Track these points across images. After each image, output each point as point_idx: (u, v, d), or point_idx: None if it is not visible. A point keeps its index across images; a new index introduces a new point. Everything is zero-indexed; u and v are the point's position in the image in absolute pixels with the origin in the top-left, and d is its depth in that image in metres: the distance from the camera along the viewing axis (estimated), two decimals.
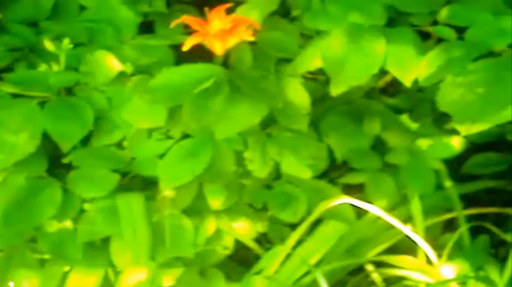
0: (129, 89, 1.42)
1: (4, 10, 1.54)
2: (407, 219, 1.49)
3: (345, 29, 1.29)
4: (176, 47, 1.41)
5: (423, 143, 1.53)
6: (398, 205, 1.54)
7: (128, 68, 1.44)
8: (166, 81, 1.34)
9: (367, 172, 1.56)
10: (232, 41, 1.36)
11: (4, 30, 1.52)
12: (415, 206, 1.49)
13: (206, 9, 1.36)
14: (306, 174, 1.39)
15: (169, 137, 1.45)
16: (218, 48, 1.33)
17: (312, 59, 1.30)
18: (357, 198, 1.44)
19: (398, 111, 1.57)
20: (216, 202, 1.43)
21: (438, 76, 1.22)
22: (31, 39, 1.51)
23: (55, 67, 1.41)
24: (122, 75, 1.41)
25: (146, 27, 1.51)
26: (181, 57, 1.44)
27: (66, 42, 1.40)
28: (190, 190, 1.46)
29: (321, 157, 1.51)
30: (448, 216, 1.54)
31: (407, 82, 1.28)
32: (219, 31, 1.36)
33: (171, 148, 1.40)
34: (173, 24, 1.36)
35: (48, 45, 1.44)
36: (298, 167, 1.39)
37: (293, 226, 1.45)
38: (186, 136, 1.42)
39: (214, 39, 1.35)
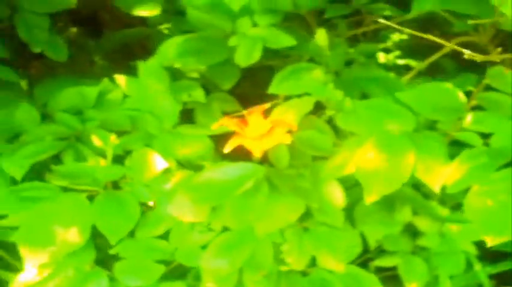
0: (173, 185, 1.51)
1: (49, 99, 1.61)
2: None
3: (377, 137, 1.37)
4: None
5: (454, 227, 1.55)
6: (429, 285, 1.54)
7: (172, 164, 1.53)
8: (209, 180, 1.44)
9: (399, 255, 1.60)
10: (270, 143, 1.45)
11: (50, 119, 1.59)
12: None
13: (245, 113, 1.47)
14: (341, 267, 1.48)
15: (210, 230, 1.53)
16: (257, 150, 1.42)
17: (345, 166, 1.38)
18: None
19: (427, 196, 1.57)
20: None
21: (465, 183, 1.31)
22: (77, 128, 1.56)
23: (102, 161, 1.48)
24: (166, 169, 1.46)
25: (187, 115, 1.57)
26: (219, 144, 1.46)
27: (113, 139, 1.48)
28: (231, 279, 1.53)
29: (355, 244, 1.58)
30: None
31: (435, 188, 1.35)
32: (258, 134, 1.44)
33: (213, 240, 1.45)
34: (214, 127, 1.46)
35: (96, 140, 1.56)
36: (334, 261, 1.48)
37: None
38: (226, 229, 1.52)
39: (253, 142, 1.45)
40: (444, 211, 1.63)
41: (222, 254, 1.51)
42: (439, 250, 1.59)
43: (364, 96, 1.53)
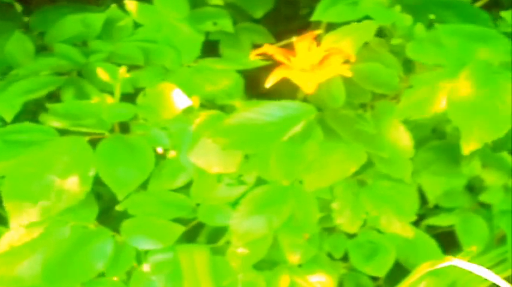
0: (198, 128, 1.17)
1: (47, 28, 1.32)
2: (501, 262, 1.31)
3: (474, 68, 1.00)
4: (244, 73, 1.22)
5: None
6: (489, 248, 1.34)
7: (195, 102, 1.18)
8: (244, 122, 1.09)
9: (457, 214, 1.37)
10: (324, 76, 1.10)
11: (48, 51, 1.31)
12: None
13: (294, 38, 1.12)
14: (409, 231, 1.10)
15: (242, 183, 1.21)
16: (308, 84, 1.06)
17: (422, 105, 0.98)
18: None
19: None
20: (294, 256, 1.23)
21: None
22: (79, 61, 1.27)
23: (109, 99, 1.18)
24: (187, 108, 1.15)
25: (209, 49, 1.29)
26: (251, 87, 1.22)
27: (123, 71, 1.18)
28: (265, 242, 1.22)
29: (415, 200, 1.26)
30: None
31: None
32: (309, 65, 1.10)
33: (245, 195, 1.18)
34: (253, 55, 1.07)
35: (102, 74, 1.20)
36: (399, 223, 1.11)
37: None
38: (261, 181, 1.19)
39: (303, 74, 1.09)
40: None
41: (256, 212, 1.19)
42: (502, 207, 1.36)
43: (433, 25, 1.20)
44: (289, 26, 1.24)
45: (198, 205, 1.20)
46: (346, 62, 1.10)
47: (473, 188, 1.36)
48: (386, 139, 1.12)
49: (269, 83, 1.06)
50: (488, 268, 1.25)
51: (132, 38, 1.30)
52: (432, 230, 1.37)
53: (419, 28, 1.10)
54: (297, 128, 1.04)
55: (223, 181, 1.19)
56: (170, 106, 1.17)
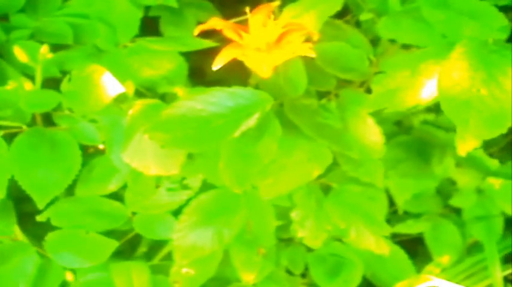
0: (132, 121, 0.95)
1: None
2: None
3: (469, 47, 0.78)
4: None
5: (495, 182, 1.17)
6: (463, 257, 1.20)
7: (130, 88, 0.97)
8: (187, 113, 0.87)
9: (426, 220, 1.22)
10: (282, 57, 0.89)
11: None
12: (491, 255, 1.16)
13: (247, 8, 0.90)
14: (384, 247, 0.88)
15: (186, 187, 1.01)
16: (264, 67, 0.85)
17: (408, 92, 0.76)
18: None
19: None
20: (249, 275, 1.04)
21: None
22: None
23: (28, 84, 0.97)
24: (120, 96, 0.96)
25: (148, 27, 1.09)
26: (196, 71, 1.03)
27: (44, 51, 0.97)
28: (215, 259, 1.03)
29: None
30: None
31: None
32: (265, 43, 0.88)
33: (189, 203, 0.99)
34: (198, 30, 0.88)
35: (20, 54, 0.99)
36: (375, 241, 0.88)
37: None
38: (208, 186, 0.99)
39: (258, 54, 0.88)
40: (493, 163, 1.19)
41: (203, 223, 0.99)
42: (475, 212, 1.21)
43: None
44: (239, 8, 1.01)
45: (134, 213, 1.03)
46: (308, 40, 0.89)
47: (441, 190, 1.22)
48: (354, 135, 0.90)
49: (217, 64, 0.85)
50: (462, 279, 1.17)
51: (61, 12, 1.08)
52: (395, 237, 1.19)
53: (394, 1, 0.87)
54: (251, 122, 0.84)
55: (163, 186, 0.97)
56: (100, 94, 0.95)
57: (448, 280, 1.14)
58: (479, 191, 1.18)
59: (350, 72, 0.92)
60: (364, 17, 0.94)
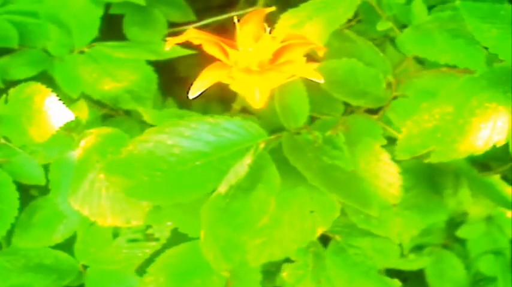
0: (84, 155, 0.72)
1: None
2: None
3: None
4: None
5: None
6: None
7: (83, 111, 0.76)
8: (157, 150, 0.63)
9: (428, 253, 1.03)
10: (280, 80, 0.64)
11: None
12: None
13: (234, 16, 0.64)
14: None
15: (150, 239, 0.75)
16: (257, 94, 0.61)
17: (460, 140, 0.51)
18: None
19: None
20: None
21: None
22: None
23: None
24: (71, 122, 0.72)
25: (109, 28, 0.87)
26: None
27: None
28: None
29: None
30: None
31: None
32: (258, 62, 0.63)
33: (156, 258, 0.73)
34: (170, 44, 0.64)
35: None
36: None
37: None
38: (180, 237, 0.73)
39: (248, 76, 0.62)
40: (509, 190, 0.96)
41: (174, 284, 0.72)
42: (483, 246, 1.03)
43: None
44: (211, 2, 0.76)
45: (86, 267, 0.78)
46: (312, 57, 0.66)
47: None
48: (366, 179, 0.66)
49: (195, 92, 0.61)
50: None
51: (3, 9, 0.84)
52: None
53: (419, 6, 0.61)
54: (242, 168, 0.59)
55: (123, 236, 0.66)
56: (43, 120, 0.71)
57: None
58: (489, 219, 1.02)
59: (362, 97, 0.67)
60: (381, 26, 0.67)
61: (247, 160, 0.58)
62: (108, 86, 0.79)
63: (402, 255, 0.97)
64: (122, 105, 0.80)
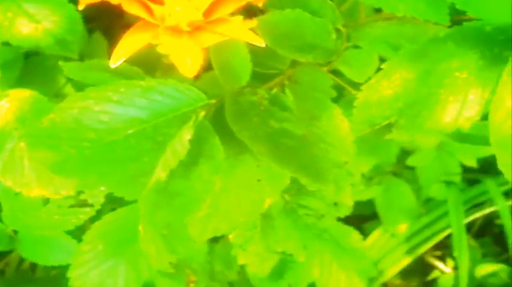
0: (2, 122, 0.60)
1: None
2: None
3: None
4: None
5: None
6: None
7: None
8: (83, 118, 0.53)
9: (378, 182, 0.96)
10: (213, 40, 0.53)
11: None
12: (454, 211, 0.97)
13: None
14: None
15: (85, 205, 0.65)
16: (188, 58, 0.51)
17: (426, 114, 0.41)
18: None
19: None
20: None
21: None
22: None
23: None
24: None
25: None
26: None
27: None
28: None
29: None
30: (488, 210, 1.05)
31: None
32: (188, 21, 0.52)
33: (91, 225, 0.64)
34: (82, 4, 0.52)
35: None
36: (346, 278, 0.53)
37: None
38: (116, 201, 0.63)
39: (177, 38, 0.52)
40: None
41: (111, 255, 0.65)
42: (434, 171, 0.97)
43: None
44: None
45: (16, 232, 0.70)
46: (250, 12, 0.55)
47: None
48: (317, 142, 0.54)
49: (118, 59, 0.52)
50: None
51: None
52: None
53: None
54: (182, 144, 0.49)
55: (54, 202, 0.57)
56: None
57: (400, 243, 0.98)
58: (439, 146, 0.96)
59: (310, 51, 0.57)
60: None
61: (187, 135, 0.47)
62: (27, 28, 0.66)
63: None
64: (45, 50, 0.66)
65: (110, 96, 0.52)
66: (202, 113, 0.51)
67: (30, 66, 0.72)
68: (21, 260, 0.80)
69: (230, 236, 0.64)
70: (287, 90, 0.56)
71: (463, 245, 0.97)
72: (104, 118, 0.51)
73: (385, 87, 0.47)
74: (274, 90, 0.56)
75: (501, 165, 0.43)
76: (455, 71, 0.45)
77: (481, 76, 0.44)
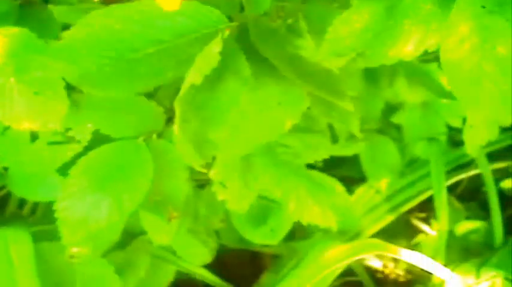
0: None
1: None
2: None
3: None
4: None
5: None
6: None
7: None
8: (104, 35, 0.54)
9: (363, 139, 0.94)
10: None
11: None
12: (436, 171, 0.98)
13: None
14: (333, 223, 0.57)
15: (71, 141, 0.66)
16: None
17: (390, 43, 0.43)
18: None
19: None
20: (159, 237, 0.72)
21: None
22: None
23: None
24: None
25: None
26: None
27: None
28: (115, 228, 0.72)
29: None
30: (473, 172, 1.05)
31: None
32: None
33: (77, 160, 0.64)
34: None
35: None
36: (321, 212, 0.56)
37: None
38: (102, 138, 0.64)
39: None
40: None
41: (96, 188, 0.64)
42: (418, 131, 0.98)
43: None
44: None
45: (6, 169, 0.70)
46: None
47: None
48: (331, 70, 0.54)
49: None
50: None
51: None
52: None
53: None
54: (212, 55, 0.50)
55: (43, 138, 0.60)
56: None
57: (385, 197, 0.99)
58: (425, 105, 0.96)
59: None
60: None
61: (216, 48, 0.49)
62: None
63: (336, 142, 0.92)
64: None
65: (131, 15, 0.53)
66: (227, 32, 0.52)
67: (25, 16, 0.74)
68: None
69: (211, 173, 0.66)
70: (301, 21, 0.57)
71: (443, 202, 0.98)
72: (125, 36, 0.53)
73: (355, 20, 0.49)
74: (290, 21, 0.58)
75: (452, 87, 0.46)
76: (420, 2, 0.47)
77: (442, 6, 0.46)
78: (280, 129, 0.55)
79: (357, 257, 0.87)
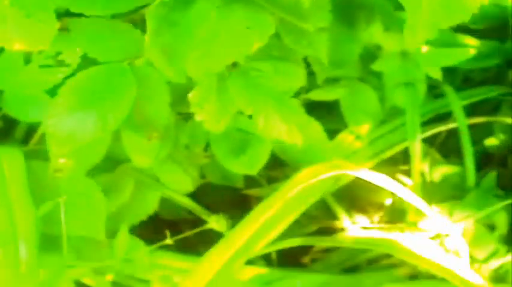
0: None
1: None
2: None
3: None
4: None
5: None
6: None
7: None
8: None
9: (344, 85, 0.99)
10: None
11: None
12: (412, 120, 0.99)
13: None
14: (298, 139, 0.63)
15: (61, 64, 0.72)
16: None
17: None
18: None
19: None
20: (141, 159, 0.80)
21: None
22: None
23: None
24: None
25: None
26: None
27: None
28: (101, 145, 0.79)
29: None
30: (450, 126, 1.06)
31: None
32: None
33: (66, 81, 0.70)
34: None
35: None
36: (287, 129, 0.62)
37: None
38: (90, 62, 0.71)
39: None
40: None
41: (83, 107, 0.71)
42: (396, 76, 1.00)
43: None
44: None
45: (1, 92, 0.77)
46: None
47: (363, 54, 0.97)
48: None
49: None
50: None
51: None
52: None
53: None
54: None
55: (35, 62, 0.65)
56: None
57: (364, 147, 1.01)
58: (404, 54, 0.98)
59: None
60: None
61: None
62: None
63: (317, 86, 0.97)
64: None
65: None
66: None
67: None
68: None
69: (189, 96, 0.72)
70: None
71: (416, 148, 1.01)
72: None
73: None
74: None
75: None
76: None
77: None
78: (247, 50, 0.61)
79: (327, 175, 0.89)
